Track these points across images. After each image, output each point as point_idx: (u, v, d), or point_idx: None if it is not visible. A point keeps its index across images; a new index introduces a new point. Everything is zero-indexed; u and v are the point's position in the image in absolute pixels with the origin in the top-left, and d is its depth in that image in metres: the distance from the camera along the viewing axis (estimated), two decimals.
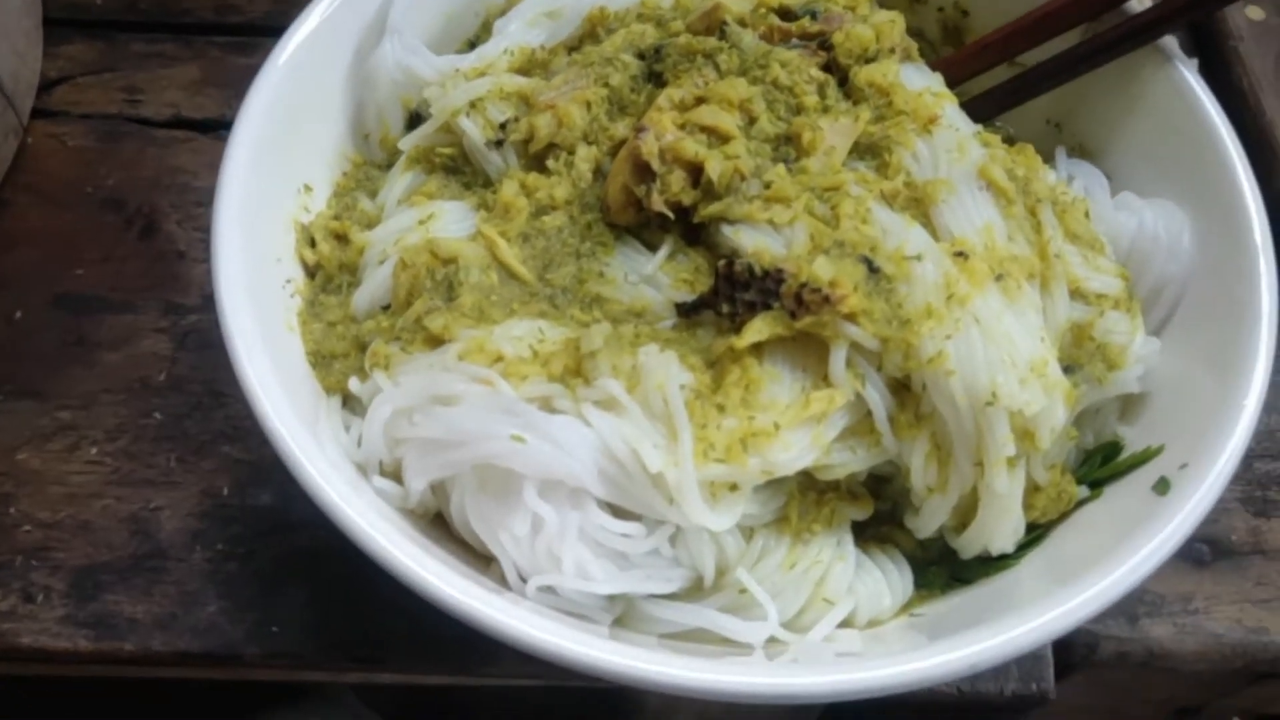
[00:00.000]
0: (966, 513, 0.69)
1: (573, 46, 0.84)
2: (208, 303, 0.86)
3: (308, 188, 0.80)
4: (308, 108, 0.80)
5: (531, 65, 0.83)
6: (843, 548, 0.70)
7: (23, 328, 0.92)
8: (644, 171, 0.72)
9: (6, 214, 0.97)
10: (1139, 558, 0.62)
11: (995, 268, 0.68)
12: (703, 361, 0.69)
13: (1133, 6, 0.80)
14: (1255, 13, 1.03)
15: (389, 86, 0.83)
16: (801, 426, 0.66)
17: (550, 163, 0.77)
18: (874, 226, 0.70)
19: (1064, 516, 0.72)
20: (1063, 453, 0.72)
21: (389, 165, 0.84)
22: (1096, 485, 0.73)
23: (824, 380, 0.67)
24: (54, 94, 1.03)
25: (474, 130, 0.78)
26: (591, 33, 0.84)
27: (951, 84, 0.81)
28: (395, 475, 0.69)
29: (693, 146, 0.72)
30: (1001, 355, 0.65)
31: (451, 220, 0.76)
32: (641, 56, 0.80)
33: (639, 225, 0.75)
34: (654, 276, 0.73)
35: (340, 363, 0.74)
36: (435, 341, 0.70)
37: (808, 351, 0.68)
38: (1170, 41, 0.80)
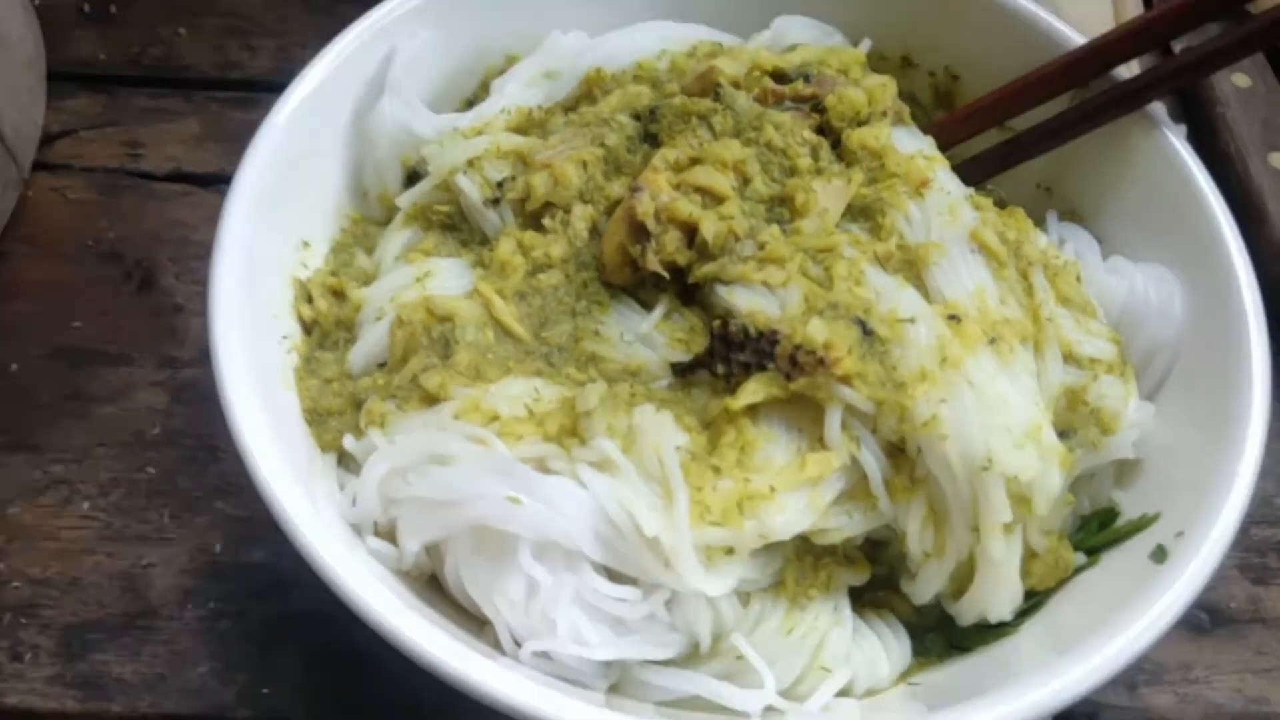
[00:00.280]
0: (964, 579, 0.69)
1: (569, 107, 0.85)
2: (204, 356, 0.85)
3: (306, 244, 0.81)
4: (307, 165, 0.81)
5: (529, 125, 0.84)
6: (840, 613, 0.69)
7: (19, 380, 0.92)
8: (639, 231, 0.73)
9: (5, 266, 0.97)
10: (1138, 628, 0.62)
11: (988, 331, 0.69)
12: (698, 422, 0.69)
13: (1121, 73, 0.82)
14: (1241, 80, 1.05)
15: (388, 144, 0.84)
16: (798, 489, 0.66)
17: (547, 221, 0.77)
18: (867, 288, 0.70)
19: (1062, 584, 0.72)
20: (1059, 519, 0.72)
21: (387, 221, 0.85)
22: (1093, 552, 0.73)
23: (819, 442, 0.68)
24: (56, 147, 1.04)
25: (471, 188, 0.79)
26: (588, 93, 0.85)
27: (943, 147, 0.82)
28: (390, 535, 0.68)
29: (687, 207, 0.73)
30: (996, 419, 0.66)
31: (448, 278, 0.76)
32: (637, 117, 0.81)
33: (635, 284, 0.75)
34: (649, 336, 0.73)
35: (336, 420, 0.73)
36: (431, 400, 0.70)
37: (803, 413, 0.68)
38: (1158, 108, 0.82)
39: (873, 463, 0.67)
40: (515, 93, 0.85)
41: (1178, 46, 0.99)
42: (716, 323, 0.70)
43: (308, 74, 0.81)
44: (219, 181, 1.02)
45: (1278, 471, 0.90)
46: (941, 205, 0.75)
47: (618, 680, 0.66)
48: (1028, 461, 0.65)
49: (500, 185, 0.79)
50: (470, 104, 0.91)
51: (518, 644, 0.64)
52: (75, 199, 1.01)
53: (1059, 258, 0.77)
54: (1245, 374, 0.72)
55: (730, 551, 0.65)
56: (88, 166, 1.03)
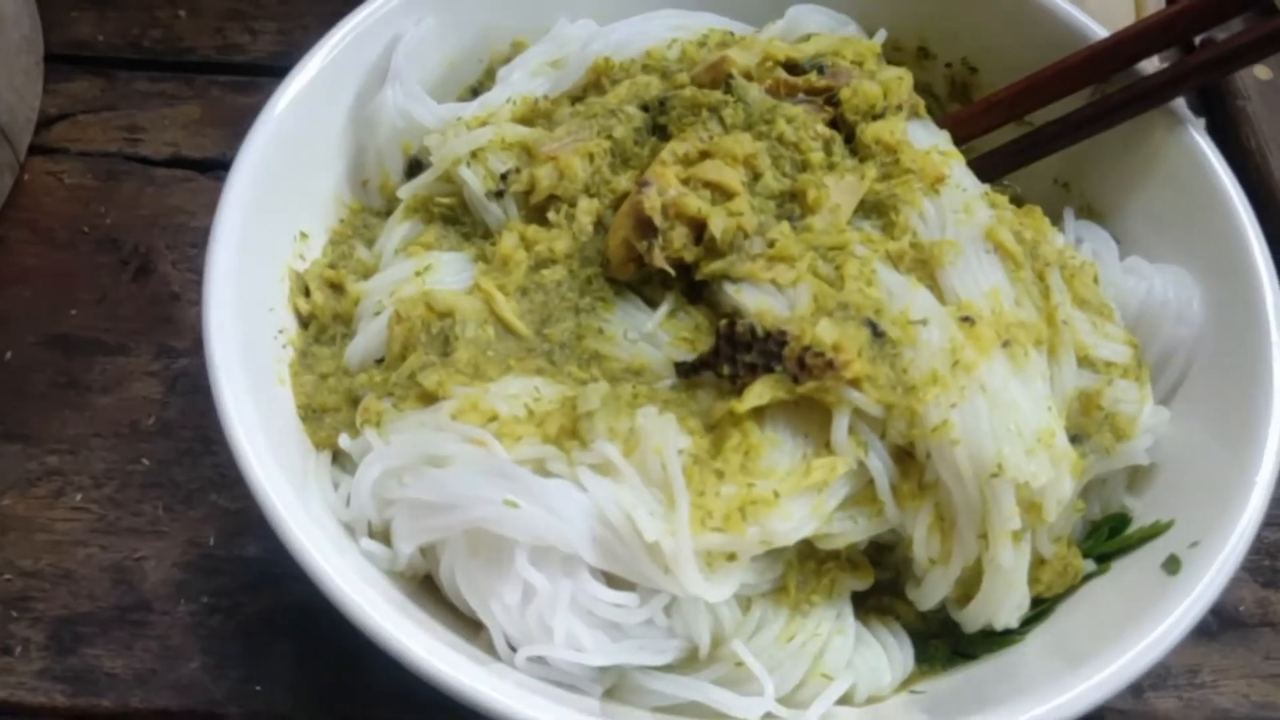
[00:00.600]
0: (970, 585, 0.67)
1: (576, 96, 0.83)
2: (200, 346, 0.84)
3: (304, 235, 0.79)
4: (306, 153, 0.79)
5: (534, 115, 0.82)
6: (842, 620, 0.68)
7: (13, 368, 0.90)
8: (646, 227, 0.71)
9: (0, 252, 0.96)
10: (1148, 641, 0.61)
11: (1002, 334, 0.67)
12: (702, 424, 0.68)
13: (1143, 68, 0.80)
14: (1263, 72, 1.02)
15: (389, 132, 0.82)
16: (802, 495, 0.64)
17: (551, 215, 0.75)
18: (879, 288, 0.69)
19: (1070, 590, 0.71)
20: (1069, 525, 0.70)
21: (388, 212, 0.83)
22: (1104, 559, 0.72)
23: (825, 447, 0.66)
24: (53, 131, 1.02)
25: (474, 180, 0.77)
26: (595, 83, 0.83)
27: (959, 141, 0.80)
28: (385, 536, 0.67)
29: (696, 203, 0.71)
30: (1008, 425, 0.64)
31: (449, 272, 0.75)
32: (646, 108, 0.79)
33: (640, 281, 0.74)
34: (654, 334, 0.71)
35: (331, 417, 0.72)
36: (429, 398, 0.69)
37: (810, 416, 0.67)
38: (1180, 104, 0.80)
39: (880, 468, 0.65)
40: (521, 81, 0.84)
41: (1199, 40, 0.97)
42: (723, 322, 0.68)
43: (308, 61, 0.79)
44: (219, 167, 1.00)
45: None
46: (956, 203, 0.73)
47: (614, 685, 0.65)
48: (1039, 468, 0.64)
49: (504, 177, 0.77)
50: (475, 91, 0.89)
51: (513, 648, 0.63)
52: (72, 184, 1.00)
53: (1076, 258, 0.75)
54: (1265, 380, 0.70)
55: (732, 557, 0.63)
56: (85, 151, 1.01)
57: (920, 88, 0.83)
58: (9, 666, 0.77)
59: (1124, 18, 1.03)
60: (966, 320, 0.67)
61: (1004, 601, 0.66)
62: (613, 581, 0.64)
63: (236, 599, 0.80)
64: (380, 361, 0.73)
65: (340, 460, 0.71)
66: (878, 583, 0.71)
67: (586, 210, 0.75)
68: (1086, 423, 0.70)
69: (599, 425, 0.65)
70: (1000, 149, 0.84)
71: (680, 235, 0.71)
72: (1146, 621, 0.62)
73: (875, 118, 0.77)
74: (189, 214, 0.98)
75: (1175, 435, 0.73)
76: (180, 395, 0.89)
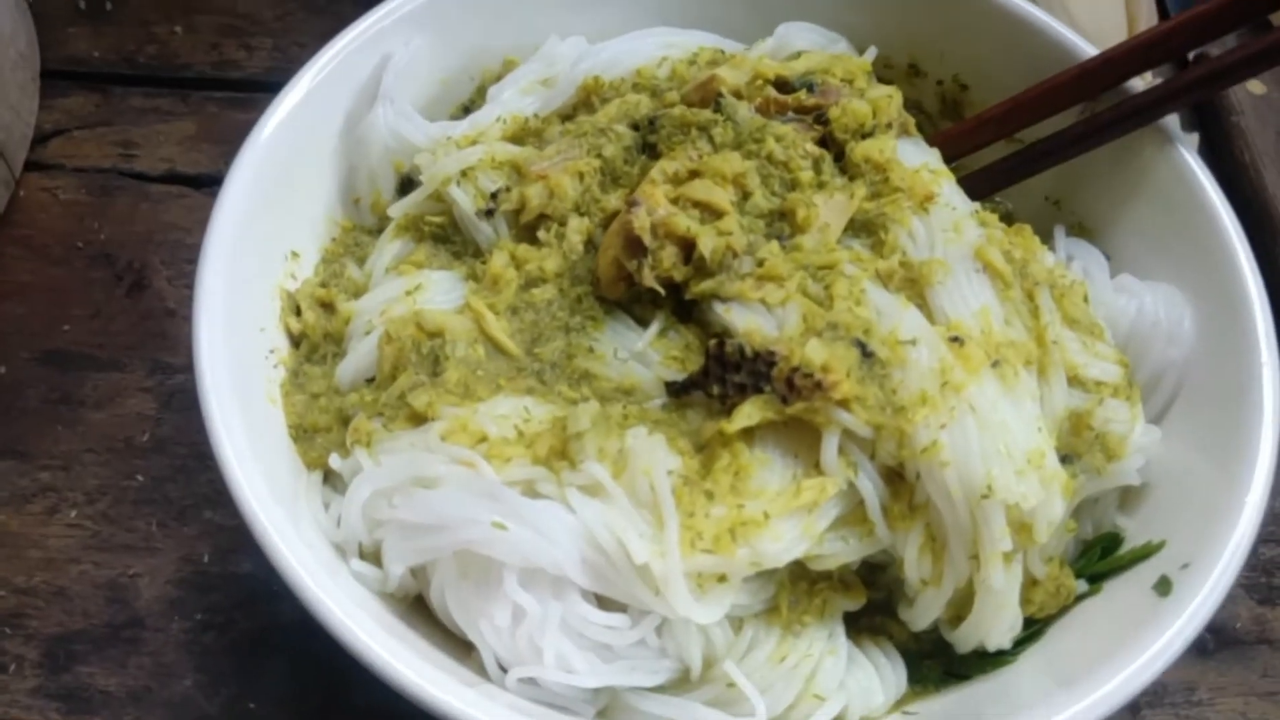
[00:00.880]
0: (962, 606, 0.67)
1: (566, 115, 0.83)
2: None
3: (295, 254, 0.79)
4: (297, 173, 0.79)
5: (524, 133, 0.82)
6: (834, 641, 0.68)
7: (7, 384, 0.91)
8: (636, 246, 0.71)
9: None
10: (1140, 663, 0.61)
11: (991, 354, 0.67)
12: (691, 445, 0.68)
13: (1134, 85, 0.80)
14: (1256, 87, 1.02)
15: (381, 151, 0.82)
16: (792, 516, 0.64)
17: (541, 233, 0.76)
18: (868, 308, 0.69)
19: (1063, 611, 0.71)
20: (1061, 545, 0.70)
21: (379, 230, 0.83)
22: (1095, 579, 0.71)
23: (815, 467, 0.66)
24: (49, 146, 1.03)
25: (464, 199, 0.77)
26: (585, 101, 0.83)
27: (950, 158, 0.80)
28: (375, 557, 0.67)
29: (685, 222, 0.71)
30: (997, 446, 0.64)
31: (439, 291, 0.75)
32: (635, 127, 0.79)
33: (630, 300, 0.74)
34: (644, 353, 0.71)
35: (322, 437, 0.72)
36: (419, 419, 0.69)
37: (799, 437, 0.67)
38: (1172, 121, 0.79)
39: (870, 489, 0.65)
40: (511, 100, 0.84)
41: (1193, 56, 0.97)
42: (713, 342, 0.69)
43: (298, 80, 0.79)
44: (214, 183, 0.98)
45: None
46: (946, 221, 0.73)
47: (606, 706, 0.65)
48: (1029, 489, 0.63)
49: (494, 196, 0.77)
50: (467, 109, 0.89)
51: (503, 670, 0.63)
52: (67, 199, 1.00)
53: (1066, 277, 0.75)
54: (1255, 399, 0.70)
55: (722, 579, 0.63)
56: (80, 166, 1.02)
57: (911, 105, 0.83)
58: (3, 685, 0.77)
59: (1116, 35, 1.03)
60: (956, 340, 0.67)
61: (996, 622, 0.66)
62: (604, 603, 0.64)
63: (230, 616, 0.81)
64: (371, 381, 0.74)
65: (332, 480, 0.71)
66: (870, 603, 0.71)
67: (576, 229, 0.75)
68: (1077, 443, 0.70)
69: (588, 446, 0.65)
70: (991, 166, 0.84)
71: (670, 254, 0.71)
72: (1138, 644, 0.62)
73: (865, 136, 0.78)
74: (184, 230, 0.99)
75: (1166, 455, 0.73)
76: (174, 411, 0.89)
